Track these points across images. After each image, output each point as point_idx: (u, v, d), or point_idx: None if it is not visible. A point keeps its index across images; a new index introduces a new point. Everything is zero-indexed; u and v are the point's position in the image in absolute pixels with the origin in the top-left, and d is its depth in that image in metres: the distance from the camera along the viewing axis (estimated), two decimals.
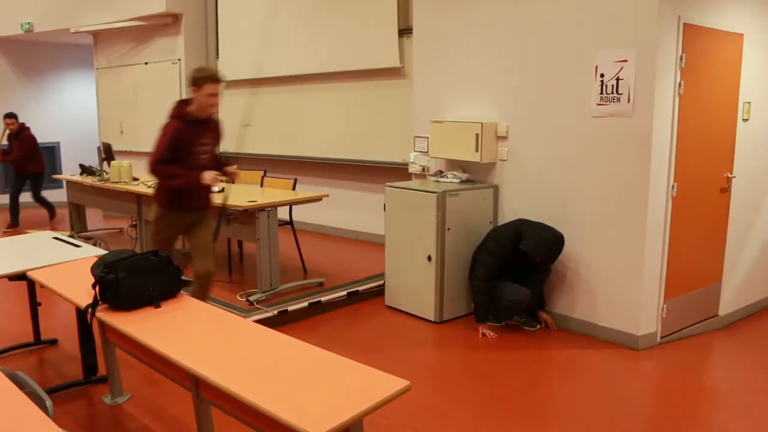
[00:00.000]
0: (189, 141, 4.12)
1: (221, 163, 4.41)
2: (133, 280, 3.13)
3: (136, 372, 4.02)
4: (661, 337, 4.69)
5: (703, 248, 4.92)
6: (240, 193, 5.84)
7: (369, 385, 2.29)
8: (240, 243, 6.94)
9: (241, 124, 7.70)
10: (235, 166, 4.48)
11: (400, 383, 2.30)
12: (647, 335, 4.59)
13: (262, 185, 6.66)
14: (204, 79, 4.01)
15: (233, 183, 4.61)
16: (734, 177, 5.02)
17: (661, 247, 4.56)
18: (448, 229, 4.93)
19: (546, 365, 4.26)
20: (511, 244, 4.71)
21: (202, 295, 4.28)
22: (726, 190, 5.00)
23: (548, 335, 4.81)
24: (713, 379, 4.13)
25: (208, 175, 4.11)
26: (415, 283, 5.11)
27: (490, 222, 5.24)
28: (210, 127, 4.29)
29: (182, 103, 4.17)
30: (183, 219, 4.34)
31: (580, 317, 4.86)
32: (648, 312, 4.58)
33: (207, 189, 4.32)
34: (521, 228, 4.74)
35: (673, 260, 4.65)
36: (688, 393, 3.90)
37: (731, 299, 5.26)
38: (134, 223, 6.94)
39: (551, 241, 4.64)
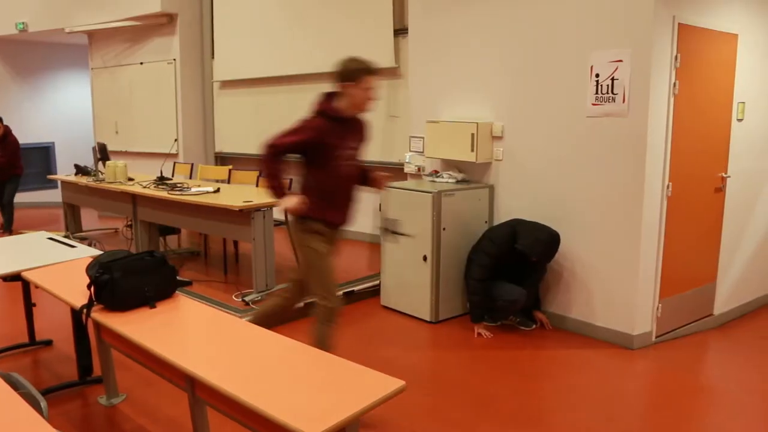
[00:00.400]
0: (333, 143, 3.53)
1: (365, 171, 3.85)
2: (128, 280, 3.13)
3: (131, 372, 4.01)
4: (656, 337, 4.70)
5: (697, 248, 4.94)
6: (235, 193, 5.84)
7: (364, 385, 2.29)
8: (235, 243, 6.93)
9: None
10: (386, 174, 3.87)
11: (396, 383, 2.31)
12: (642, 335, 4.60)
13: (258, 185, 6.65)
14: (363, 71, 3.56)
15: (381, 190, 4.01)
16: (729, 177, 5.04)
17: (656, 246, 4.57)
18: (444, 229, 4.93)
19: (542, 365, 4.27)
20: (507, 244, 4.71)
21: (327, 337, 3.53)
22: (721, 190, 5.01)
23: (544, 335, 4.82)
24: (708, 379, 4.14)
25: (290, 201, 3.47)
26: (410, 283, 5.11)
27: (486, 222, 5.24)
28: (356, 128, 3.73)
29: (329, 97, 3.64)
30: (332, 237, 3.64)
31: (576, 317, 4.86)
32: (643, 311, 4.59)
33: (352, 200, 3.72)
34: (517, 228, 4.75)
35: (668, 260, 4.66)
36: (684, 392, 3.91)
37: (726, 299, 5.27)
38: (129, 223, 6.92)
39: (547, 240, 4.64)
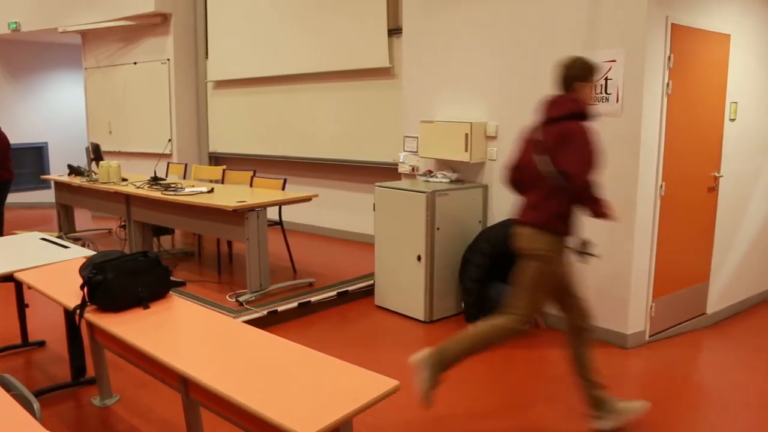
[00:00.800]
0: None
1: None
2: (121, 281, 3.12)
3: (124, 373, 4.00)
4: (650, 336, 4.71)
5: (691, 247, 4.95)
6: (229, 193, 5.83)
7: (358, 385, 2.29)
8: (229, 243, 6.92)
9: None
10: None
11: (390, 383, 2.31)
12: (636, 334, 4.61)
13: (251, 185, 6.65)
14: (594, 70, 3.35)
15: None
16: (722, 176, 5.05)
17: (649, 246, 4.58)
18: (438, 228, 4.93)
19: (536, 364, 4.28)
20: (504, 245, 4.71)
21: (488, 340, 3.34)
22: (713, 190, 5.03)
23: (537, 335, 4.82)
24: (701, 377, 4.15)
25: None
26: (404, 282, 5.11)
27: (480, 222, 5.25)
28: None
29: (571, 99, 3.35)
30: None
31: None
32: (637, 310, 4.60)
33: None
34: (512, 228, 4.73)
35: (662, 259, 4.67)
36: (677, 391, 3.92)
37: (718, 298, 5.29)
38: (123, 223, 6.91)
39: None
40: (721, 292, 5.32)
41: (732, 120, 5.08)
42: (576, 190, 3.12)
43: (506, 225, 4.79)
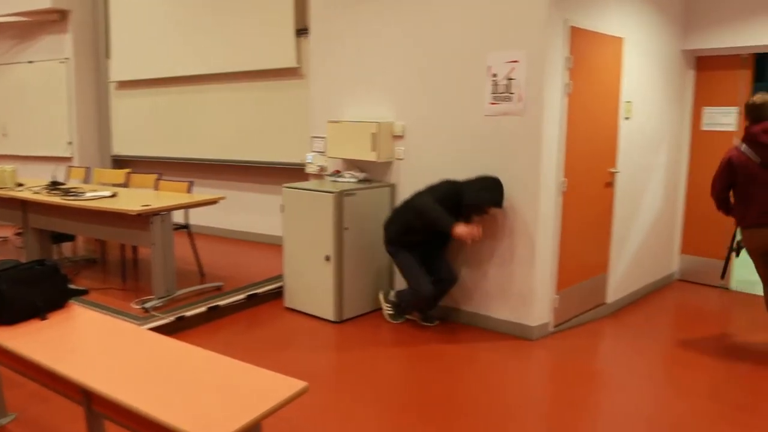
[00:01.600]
0: None
1: None
2: (16, 291, 2.98)
3: (22, 390, 3.82)
4: (554, 327, 4.88)
5: (591, 240, 5.15)
6: (133, 197, 5.66)
7: (266, 388, 2.27)
8: (134, 248, 6.72)
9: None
10: None
11: (298, 384, 2.30)
12: (541, 325, 4.76)
13: (157, 189, 6.48)
14: None
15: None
16: (617, 172, 5.28)
17: (552, 239, 4.74)
18: (346, 228, 4.94)
19: (444, 360, 4.35)
20: (452, 200, 4.63)
21: None
22: (610, 185, 5.25)
23: (446, 330, 4.91)
24: (602, 365, 4.33)
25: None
26: (314, 283, 5.10)
27: None
28: None
29: None
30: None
31: (476, 311, 4.98)
32: (541, 303, 4.75)
33: None
34: (455, 187, 4.67)
35: (564, 252, 4.84)
36: (579, 379, 4.07)
37: (617, 288, 5.53)
38: (19, 231, 6.59)
39: (493, 184, 4.61)
40: (619, 282, 5.56)
41: (626, 118, 5.32)
42: None
43: (447, 183, 4.75)
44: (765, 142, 4.21)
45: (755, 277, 6.62)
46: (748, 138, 4.30)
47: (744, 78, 6.00)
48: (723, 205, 4.55)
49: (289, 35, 6.93)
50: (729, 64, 6.06)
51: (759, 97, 4.27)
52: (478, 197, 4.57)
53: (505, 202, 4.70)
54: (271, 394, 2.21)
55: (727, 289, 6.23)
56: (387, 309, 5.11)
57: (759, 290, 6.20)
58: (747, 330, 5.08)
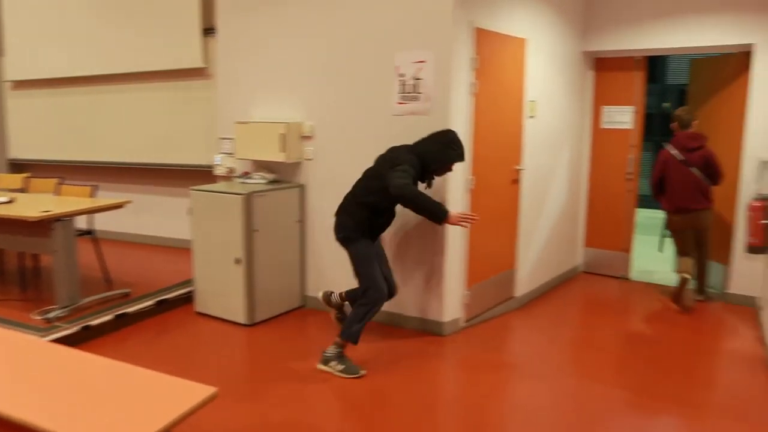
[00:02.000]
0: None
1: None
2: None
3: None
4: (465, 322, 4.96)
5: (499, 236, 5.27)
6: (32, 202, 5.40)
7: (174, 395, 2.20)
8: (35, 256, 6.42)
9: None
10: None
11: (207, 390, 2.24)
12: (452, 321, 4.84)
13: (58, 193, 6.20)
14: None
15: None
16: (523, 170, 5.42)
17: (460, 237, 4.82)
18: (256, 230, 4.88)
19: (356, 359, 4.35)
20: (419, 165, 4.13)
21: None
22: (516, 182, 5.38)
23: None
24: (512, 356, 4.44)
25: None
26: (224, 287, 5.01)
27: (298, 221, 5.26)
28: None
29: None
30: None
31: (386, 309, 5.01)
32: (452, 299, 4.82)
33: None
34: (414, 155, 4.13)
35: (473, 249, 4.94)
36: (492, 370, 4.16)
37: (525, 282, 5.68)
38: None
39: (452, 139, 4.18)
40: (527, 276, 5.72)
41: (531, 117, 5.47)
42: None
43: (400, 150, 4.23)
44: (688, 146, 5.43)
45: (652, 267, 6.96)
46: (677, 141, 5.51)
47: (638, 79, 6.29)
48: (656, 193, 5.70)
49: (195, 35, 6.78)
50: (624, 66, 6.33)
51: (685, 111, 5.57)
52: (447, 156, 4.14)
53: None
54: (179, 402, 2.15)
55: (627, 279, 6.51)
56: (330, 357, 4.20)
57: (656, 279, 6.53)
58: (647, 317, 5.32)
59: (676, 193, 5.47)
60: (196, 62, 6.84)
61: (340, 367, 4.12)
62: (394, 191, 3.88)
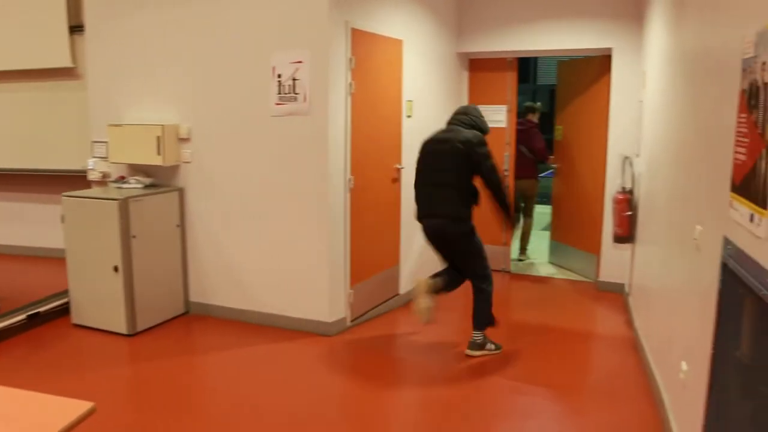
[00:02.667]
0: None
1: None
2: None
3: None
4: (351, 321, 5.02)
5: (381, 235, 5.36)
6: None
7: (48, 414, 2.11)
8: None
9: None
10: None
11: (84, 406, 2.17)
12: (338, 321, 4.88)
13: None
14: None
15: None
16: (403, 168, 5.54)
17: (343, 236, 4.87)
18: (134, 236, 4.73)
19: (244, 363, 4.31)
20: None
21: None
22: (397, 180, 5.49)
23: (242, 332, 4.87)
24: (398, 352, 4.53)
25: None
26: (102, 296, 4.82)
27: (178, 226, 5.14)
28: None
29: None
30: None
31: (271, 311, 5.00)
32: (336, 299, 4.86)
33: None
34: (478, 132, 4.37)
35: (356, 248, 5.00)
36: (377, 368, 4.24)
37: (408, 279, 5.80)
38: None
39: (474, 110, 4.50)
40: (410, 273, 5.84)
41: (409, 116, 5.59)
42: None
43: (458, 129, 4.44)
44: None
45: (532, 257, 7.28)
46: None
47: (511, 79, 6.56)
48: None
49: (61, 32, 6.47)
50: (497, 66, 6.59)
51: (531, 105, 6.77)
52: (487, 129, 4.50)
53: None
54: (54, 421, 2.07)
55: (509, 271, 6.78)
56: (482, 341, 4.51)
57: (533, 271, 6.83)
58: (525, 307, 5.57)
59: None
60: (64, 61, 6.53)
61: (492, 346, 4.54)
62: (493, 182, 4.26)
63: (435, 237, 4.41)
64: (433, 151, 4.37)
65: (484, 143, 4.27)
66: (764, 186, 1.84)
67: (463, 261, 4.46)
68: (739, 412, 2.09)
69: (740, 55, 2.20)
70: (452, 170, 4.27)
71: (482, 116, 4.48)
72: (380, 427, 3.48)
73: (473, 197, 4.34)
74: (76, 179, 6.52)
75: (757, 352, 1.96)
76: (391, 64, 5.27)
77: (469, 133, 4.28)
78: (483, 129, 4.42)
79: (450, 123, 4.45)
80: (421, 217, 4.43)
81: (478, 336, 4.48)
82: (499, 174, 4.25)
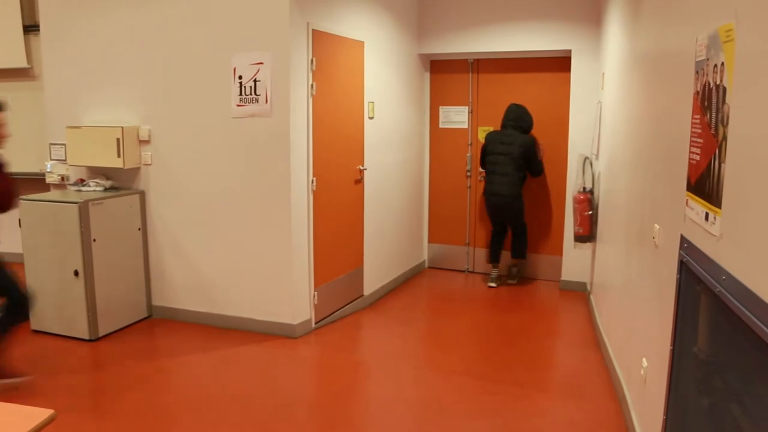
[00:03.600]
0: None
1: None
2: None
3: None
4: (316, 322, 5.02)
5: (345, 236, 5.36)
6: None
7: (7, 422, 2.08)
8: None
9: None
10: None
11: (43, 414, 2.14)
12: (303, 323, 4.87)
13: None
14: None
15: None
16: (366, 169, 5.55)
17: (306, 238, 4.86)
18: (94, 240, 4.66)
19: (209, 366, 4.29)
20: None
21: None
22: (360, 182, 5.51)
23: (205, 336, 4.83)
24: (362, 353, 4.55)
25: None
26: (63, 301, 4.74)
27: (139, 229, 5.08)
28: None
29: None
30: None
31: (235, 314, 4.97)
32: (301, 301, 4.85)
33: None
34: (527, 136, 6.12)
35: (319, 250, 4.99)
36: (343, 369, 4.25)
37: (373, 280, 5.82)
38: None
39: (518, 109, 6.16)
40: (374, 274, 5.86)
41: (371, 118, 5.61)
42: None
43: (512, 132, 6.16)
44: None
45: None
46: None
47: (473, 80, 6.61)
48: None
49: (15, 32, 6.35)
50: (458, 68, 6.64)
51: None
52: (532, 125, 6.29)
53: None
54: (13, 429, 2.04)
55: (472, 272, 6.83)
56: (517, 272, 6.59)
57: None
58: (490, 307, 5.62)
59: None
60: (19, 62, 6.42)
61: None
62: (538, 172, 6.15)
63: (499, 208, 6.07)
64: (499, 151, 6.03)
65: (534, 144, 6.04)
66: (718, 185, 1.90)
67: (517, 220, 6.15)
68: (697, 406, 2.15)
69: (693, 58, 2.26)
70: (510, 160, 5.99)
71: (531, 119, 6.17)
72: (346, 428, 3.48)
73: (523, 180, 6.08)
74: (35, 182, 6.41)
75: (713, 347, 2.02)
76: (352, 66, 5.28)
77: (528, 140, 6.00)
78: (531, 128, 6.19)
79: (507, 126, 6.11)
80: (489, 194, 6.08)
81: (515, 269, 6.45)
82: (541, 166, 6.13)
